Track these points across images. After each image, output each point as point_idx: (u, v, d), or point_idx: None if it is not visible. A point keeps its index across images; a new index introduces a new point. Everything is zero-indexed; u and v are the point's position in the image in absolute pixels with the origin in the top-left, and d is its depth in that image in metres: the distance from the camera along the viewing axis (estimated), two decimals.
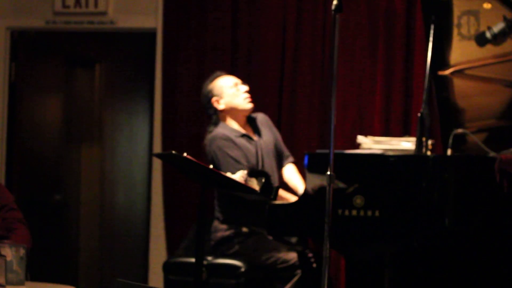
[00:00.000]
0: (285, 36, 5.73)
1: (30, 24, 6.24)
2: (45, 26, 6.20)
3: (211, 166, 4.42)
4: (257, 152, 4.77)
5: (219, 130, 4.76)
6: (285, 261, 4.55)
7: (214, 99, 4.82)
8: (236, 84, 4.86)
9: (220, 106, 4.82)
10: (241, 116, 4.86)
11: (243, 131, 4.81)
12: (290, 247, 4.62)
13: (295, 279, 4.52)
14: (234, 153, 4.67)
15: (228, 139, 4.71)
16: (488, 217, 3.94)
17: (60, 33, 6.28)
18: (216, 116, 4.85)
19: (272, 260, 4.57)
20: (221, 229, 4.70)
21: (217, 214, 4.74)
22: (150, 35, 6.05)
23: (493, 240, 4.11)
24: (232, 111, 4.83)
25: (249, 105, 4.86)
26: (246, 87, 4.87)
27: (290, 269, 4.54)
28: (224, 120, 4.84)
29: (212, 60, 5.84)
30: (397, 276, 4.17)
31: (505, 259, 4.27)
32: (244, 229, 4.66)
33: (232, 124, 4.82)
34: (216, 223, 4.73)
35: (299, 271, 4.53)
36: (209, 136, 4.79)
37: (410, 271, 4.27)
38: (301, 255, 4.59)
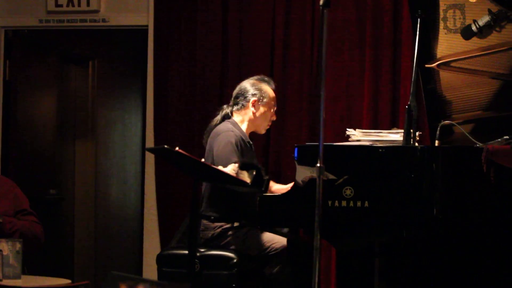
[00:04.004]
0: (274, 33, 5.76)
1: (24, 23, 6.25)
2: (38, 24, 6.22)
3: (203, 160, 4.45)
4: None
5: (234, 128, 4.74)
6: (275, 249, 4.54)
7: (256, 99, 4.81)
8: (273, 110, 4.89)
9: (254, 109, 4.81)
10: (251, 129, 4.88)
11: (248, 139, 4.83)
12: (281, 237, 4.60)
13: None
14: (237, 154, 4.61)
15: (240, 141, 4.67)
16: (476, 206, 3.98)
17: (53, 31, 6.29)
18: (238, 107, 4.83)
19: (263, 249, 4.57)
20: (212, 228, 4.66)
21: (207, 212, 4.67)
22: (141, 32, 6.06)
23: (481, 228, 4.14)
24: (252, 121, 4.83)
25: (263, 132, 4.95)
26: (274, 118, 4.92)
27: (280, 255, 4.53)
28: (240, 118, 4.83)
29: (202, 57, 5.86)
30: (387, 265, 4.20)
31: (493, 247, 4.32)
32: (236, 224, 4.65)
33: (244, 128, 4.83)
34: (205, 222, 4.67)
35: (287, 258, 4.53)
36: (222, 127, 4.73)
37: (399, 260, 4.32)
38: (291, 243, 4.58)
